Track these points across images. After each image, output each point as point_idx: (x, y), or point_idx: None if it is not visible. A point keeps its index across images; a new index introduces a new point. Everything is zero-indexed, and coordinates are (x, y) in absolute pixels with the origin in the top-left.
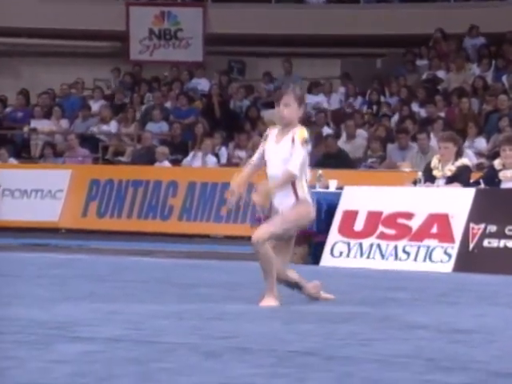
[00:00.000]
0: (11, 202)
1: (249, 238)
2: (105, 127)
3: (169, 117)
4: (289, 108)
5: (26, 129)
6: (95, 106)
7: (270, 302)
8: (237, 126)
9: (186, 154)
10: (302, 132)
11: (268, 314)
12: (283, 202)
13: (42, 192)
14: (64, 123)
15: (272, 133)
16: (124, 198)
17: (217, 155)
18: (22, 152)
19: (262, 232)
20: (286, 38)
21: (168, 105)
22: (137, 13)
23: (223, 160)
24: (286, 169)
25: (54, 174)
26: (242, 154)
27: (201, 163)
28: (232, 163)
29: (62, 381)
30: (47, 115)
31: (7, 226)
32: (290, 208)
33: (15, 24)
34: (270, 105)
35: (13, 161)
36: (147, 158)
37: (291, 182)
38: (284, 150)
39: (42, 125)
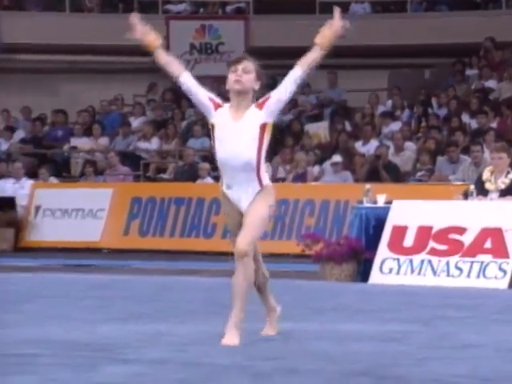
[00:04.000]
0: (52, 222)
1: (294, 256)
2: (146, 144)
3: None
4: (248, 75)
5: (66, 147)
6: (135, 122)
7: (232, 338)
8: (280, 140)
9: None
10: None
11: (316, 334)
12: (245, 192)
13: (83, 211)
14: (104, 141)
15: (221, 110)
16: (166, 216)
17: None
18: (62, 171)
19: (246, 241)
20: (330, 49)
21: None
22: (177, 27)
23: None
24: (298, 69)
25: (94, 193)
26: (285, 168)
27: None
28: (276, 178)
29: None
30: (87, 133)
31: (48, 246)
32: (257, 200)
33: (54, 41)
34: (314, 118)
35: (53, 180)
36: (189, 174)
37: (254, 166)
38: (249, 125)
39: (82, 143)
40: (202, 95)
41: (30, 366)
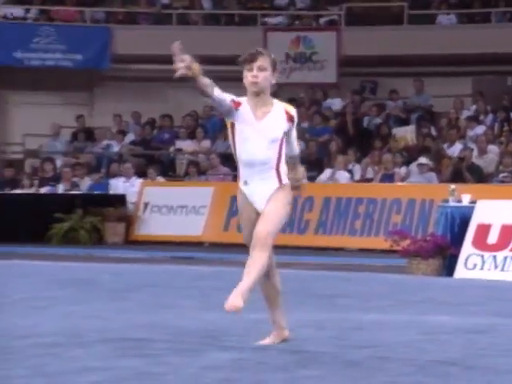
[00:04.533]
0: (159, 218)
1: (382, 251)
2: None
3: (305, 135)
4: (264, 72)
5: (171, 149)
6: None
7: (237, 300)
8: (368, 143)
9: (320, 171)
10: (292, 109)
11: (405, 324)
12: (262, 189)
13: (187, 208)
14: (206, 143)
15: (242, 108)
16: None
17: (350, 171)
18: (168, 171)
19: (266, 228)
20: (417, 57)
21: (304, 124)
22: (274, 38)
23: (357, 176)
24: (296, 155)
25: (197, 191)
26: (374, 169)
27: (332, 179)
28: (365, 178)
29: None
30: (191, 136)
31: (155, 240)
32: (275, 198)
33: (162, 52)
34: (401, 122)
35: (160, 179)
36: None
37: (274, 165)
38: (273, 128)
39: (186, 145)
40: (227, 100)
41: (143, 349)
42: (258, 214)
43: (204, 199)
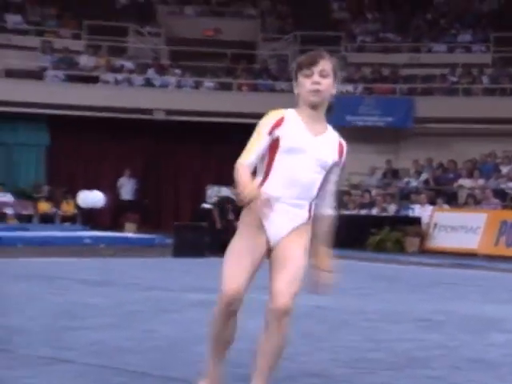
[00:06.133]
0: (445, 235)
1: None
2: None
3: None
4: (327, 79)
5: (455, 185)
6: (505, 169)
7: None
8: None
9: None
10: (345, 143)
11: None
12: (289, 223)
13: (466, 228)
14: (481, 181)
15: (288, 121)
16: None
17: None
18: (452, 201)
19: (290, 293)
20: None
21: None
22: None
23: None
24: (329, 216)
25: (474, 216)
26: None
27: None
28: None
29: (500, 359)
30: (470, 175)
31: (442, 250)
32: (298, 242)
33: (453, 115)
34: None
35: (446, 207)
36: None
37: (315, 192)
38: (325, 152)
39: (466, 182)
40: (261, 148)
41: (440, 328)
42: (266, 245)
43: (479, 222)
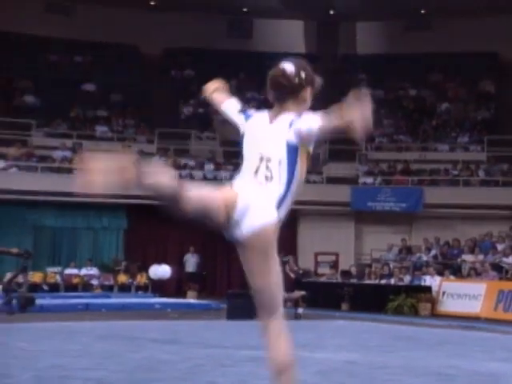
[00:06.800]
0: (451, 301)
1: None
2: (507, 259)
3: None
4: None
5: (459, 260)
6: (500, 247)
7: None
8: None
9: None
10: None
11: None
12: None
13: (469, 295)
14: (481, 257)
15: None
16: None
17: None
18: (456, 272)
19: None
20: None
21: None
22: None
23: None
24: None
25: (475, 286)
26: None
27: None
28: None
29: None
30: (471, 251)
31: (450, 314)
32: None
33: (459, 201)
34: None
35: (452, 277)
36: None
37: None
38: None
39: (468, 257)
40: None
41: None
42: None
43: (480, 290)
